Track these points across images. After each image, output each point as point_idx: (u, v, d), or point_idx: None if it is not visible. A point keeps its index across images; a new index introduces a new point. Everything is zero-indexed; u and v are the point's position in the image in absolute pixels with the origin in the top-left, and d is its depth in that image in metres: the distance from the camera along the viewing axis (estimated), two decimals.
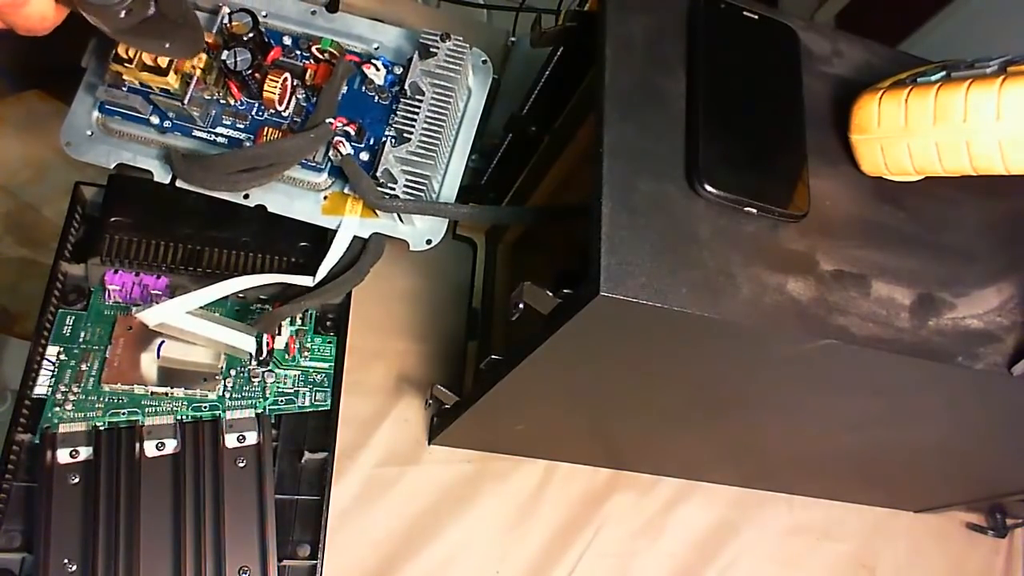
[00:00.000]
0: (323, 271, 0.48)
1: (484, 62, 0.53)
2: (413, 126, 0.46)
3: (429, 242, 0.49)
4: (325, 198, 0.48)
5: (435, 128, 0.46)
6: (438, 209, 0.48)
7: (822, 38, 0.44)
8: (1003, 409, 0.45)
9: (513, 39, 0.74)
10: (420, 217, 0.49)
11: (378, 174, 0.46)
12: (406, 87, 0.48)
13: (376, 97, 0.50)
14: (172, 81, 0.47)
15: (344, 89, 0.50)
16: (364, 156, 0.49)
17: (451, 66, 0.47)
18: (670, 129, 0.37)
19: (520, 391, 0.45)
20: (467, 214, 0.50)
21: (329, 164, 0.49)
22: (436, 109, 0.46)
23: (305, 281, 0.48)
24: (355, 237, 0.49)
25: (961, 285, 0.39)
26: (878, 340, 0.36)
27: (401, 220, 0.49)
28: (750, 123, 0.39)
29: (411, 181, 0.46)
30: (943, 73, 0.37)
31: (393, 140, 0.47)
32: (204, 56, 0.49)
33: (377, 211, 0.48)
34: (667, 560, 0.62)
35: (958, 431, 0.49)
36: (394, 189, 0.46)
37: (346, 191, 0.49)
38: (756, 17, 0.42)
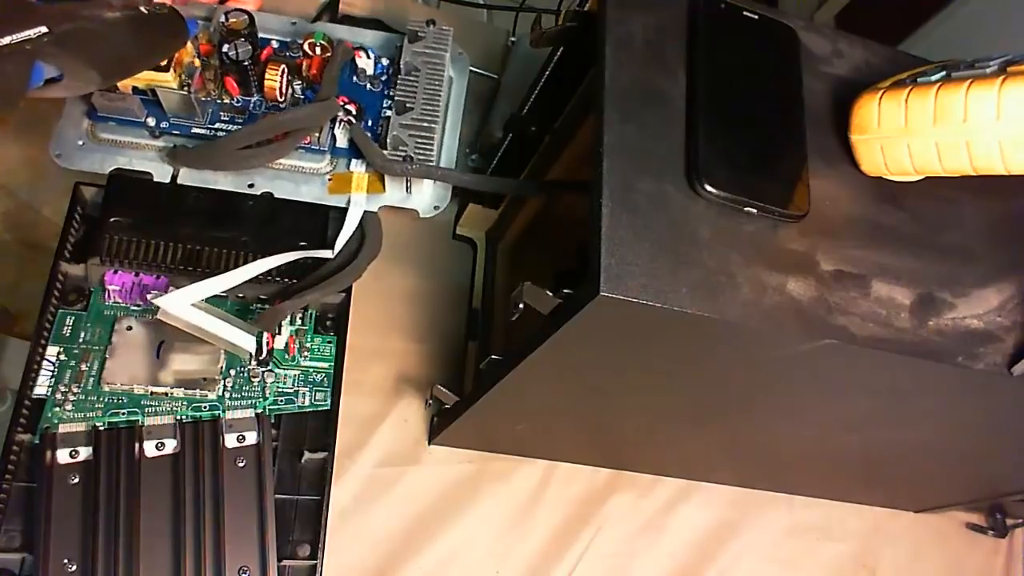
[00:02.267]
0: (340, 243, 0.50)
1: (460, 53, 0.58)
2: (414, 96, 0.51)
3: (436, 208, 0.53)
4: (330, 179, 0.52)
5: (433, 96, 0.52)
6: (443, 174, 0.52)
7: (822, 38, 0.44)
8: (1003, 409, 0.45)
9: (513, 39, 0.74)
10: (427, 185, 0.53)
11: (388, 142, 0.50)
12: (401, 66, 0.52)
13: (368, 85, 0.54)
14: (170, 79, 0.48)
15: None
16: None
17: (438, 46, 0.53)
18: (670, 129, 0.37)
19: (520, 391, 0.45)
20: (469, 180, 0.54)
21: (332, 144, 0.52)
22: (431, 80, 0.52)
23: (325, 254, 0.50)
24: (354, 235, 0.51)
25: (961, 285, 0.39)
26: (878, 340, 0.36)
27: (408, 191, 0.53)
28: (750, 123, 0.39)
29: (419, 144, 0.50)
30: (943, 73, 0.37)
31: (396, 112, 0.51)
32: (197, 61, 0.50)
33: (384, 182, 0.52)
34: (667, 560, 0.62)
35: (958, 431, 0.49)
36: (405, 151, 0.50)
37: (350, 168, 0.52)
38: (756, 17, 0.42)
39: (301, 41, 0.52)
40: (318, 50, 0.52)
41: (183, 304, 0.46)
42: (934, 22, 1.10)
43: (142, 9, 0.42)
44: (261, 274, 0.49)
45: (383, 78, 0.54)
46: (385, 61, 0.54)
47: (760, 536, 0.65)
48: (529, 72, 0.51)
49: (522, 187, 0.58)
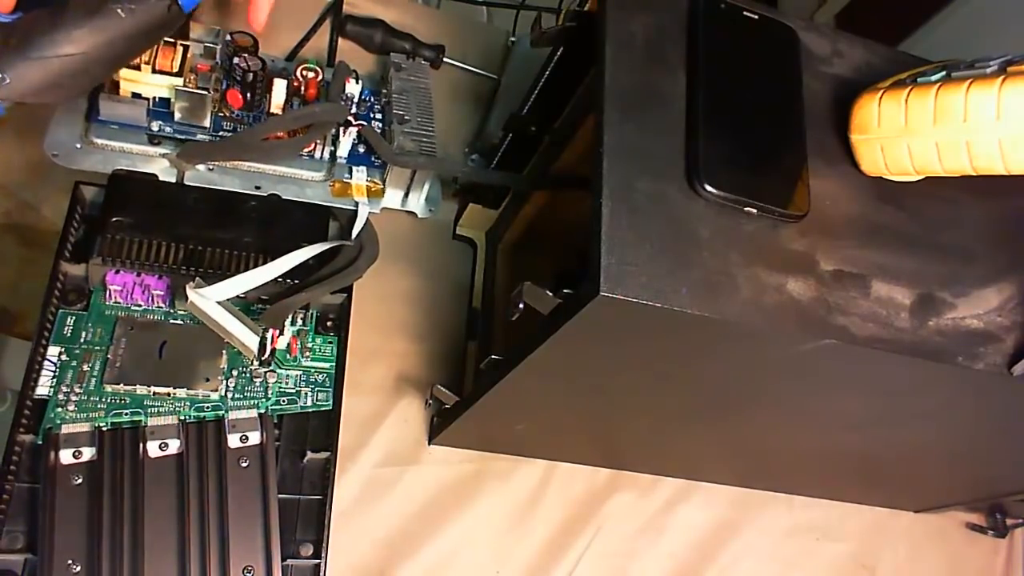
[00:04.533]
0: (355, 232, 0.53)
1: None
2: (410, 110, 0.59)
3: (432, 211, 0.60)
4: (332, 185, 0.56)
5: (427, 110, 0.60)
6: (443, 165, 0.59)
7: (822, 38, 0.44)
8: (1003, 409, 0.45)
9: (513, 39, 0.74)
10: (424, 189, 0.59)
11: (395, 145, 0.56)
12: (392, 91, 0.60)
13: (354, 107, 0.58)
14: (181, 82, 0.50)
15: None
16: (361, 148, 0.58)
17: (419, 73, 0.62)
18: (670, 129, 0.37)
19: (520, 391, 0.45)
20: (468, 172, 0.60)
21: (331, 156, 0.56)
22: (421, 99, 0.60)
23: (347, 244, 0.53)
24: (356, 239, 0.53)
25: (961, 285, 0.39)
26: (878, 340, 0.36)
27: (407, 195, 0.59)
28: (750, 123, 0.39)
29: (424, 146, 0.57)
30: (943, 73, 0.37)
31: (397, 122, 0.58)
32: (209, 67, 0.51)
33: (386, 183, 0.57)
34: (667, 560, 0.62)
35: (958, 431, 0.50)
36: (412, 151, 0.56)
37: (349, 176, 0.56)
38: (756, 17, 0.42)
39: (294, 67, 0.56)
40: (310, 74, 0.56)
41: (219, 296, 0.47)
42: (934, 22, 1.10)
43: (119, 12, 0.40)
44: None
45: (368, 101, 0.61)
46: (368, 86, 0.61)
47: (760, 536, 0.65)
48: (529, 72, 0.51)
49: (519, 181, 0.58)
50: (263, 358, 0.49)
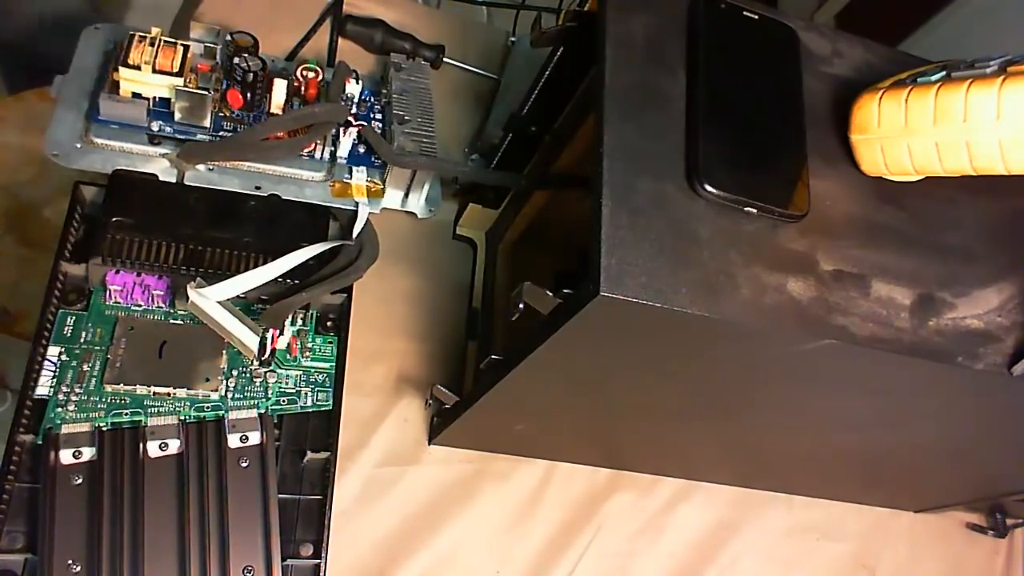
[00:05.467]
0: (355, 232, 0.54)
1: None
2: (410, 110, 0.59)
3: (432, 211, 0.60)
4: (332, 185, 0.55)
5: (427, 110, 0.60)
6: (443, 165, 0.58)
7: (822, 38, 0.44)
8: (1003, 409, 0.45)
9: (513, 39, 0.74)
10: (424, 189, 0.59)
11: (395, 145, 0.56)
12: (392, 91, 0.60)
13: (354, 108, 0.58)
14: (182, 82, 0.50)
15: None
16: (361, 149, 0.57)
17: (419, 73, 0.62)
18: (670, 129, 0.37)
19: (520, 391, 0.45)
20: (468, 172, 0.60)
21: (331, 157, 0.56)
22: (422, 98, 0.61)
23: (347, 243, 0.53)
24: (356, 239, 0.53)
25: (961, 285, 0.39)
26: (878, 340, 0.36)
27: (406, 195, 0.59)
28: (750, 123, 0.39)
29: (424, 146, 0.57)
30: (943, 73, 0.37)
31: (397, 122, 0.58)
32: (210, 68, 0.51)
33: (383, 188, 0.57)
34: (667, 560, 0.62)
35: (958, 431, 0.50)
36: (412, 151, 0.57)
37: (350, 176, 0.56)
38: (756, 17, 0.42)
39: (294, 67, 0.56)
40: (311, 74, 0.56)
41: (219, 296, 0.47)
42: (934, 22, 1.10)
43: None
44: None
45: (368, 101, 0.61)
46: (368, 87, 0.61)
47: (760, 536, 0.65)
48: (529, 72, 0.51)
49: (518, 181, 0.58)
50: (263, 358, 0.49)
